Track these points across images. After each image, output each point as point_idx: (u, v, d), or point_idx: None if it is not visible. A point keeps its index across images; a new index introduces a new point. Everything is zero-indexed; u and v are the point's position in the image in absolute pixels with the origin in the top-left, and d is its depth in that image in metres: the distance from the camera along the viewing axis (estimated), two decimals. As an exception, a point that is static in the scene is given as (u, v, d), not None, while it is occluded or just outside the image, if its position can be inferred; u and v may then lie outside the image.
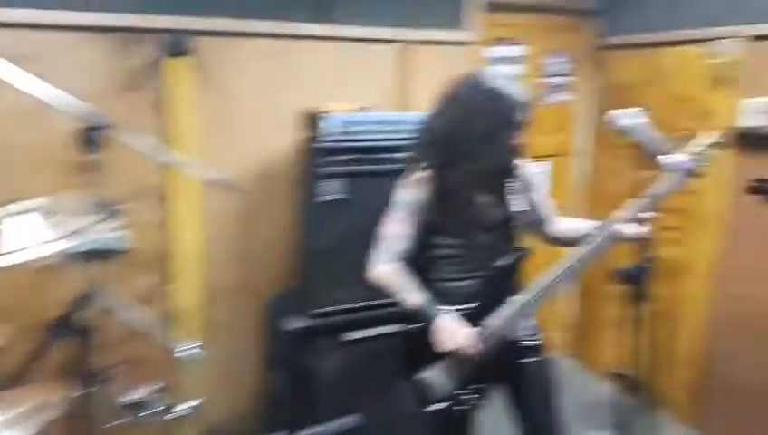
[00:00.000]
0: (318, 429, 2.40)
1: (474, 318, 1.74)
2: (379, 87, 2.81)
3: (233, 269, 2.65)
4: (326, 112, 2.35)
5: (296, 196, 2.56)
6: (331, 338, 2.41)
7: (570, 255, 1.71)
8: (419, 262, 1.83)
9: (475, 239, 1.79)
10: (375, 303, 2.37)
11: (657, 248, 1.66)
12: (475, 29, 2.97)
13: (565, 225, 1.95)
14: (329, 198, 2.33)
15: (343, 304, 2.42)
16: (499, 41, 3.18)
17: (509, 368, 1.84)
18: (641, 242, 1.64)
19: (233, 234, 2.63)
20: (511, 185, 1.84)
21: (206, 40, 2.38)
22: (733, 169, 2.65)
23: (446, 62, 2.88)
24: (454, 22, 2.94)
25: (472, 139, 1.67)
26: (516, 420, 1.89)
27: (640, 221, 1.63)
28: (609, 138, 3.32)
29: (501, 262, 1.79)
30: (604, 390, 3.07)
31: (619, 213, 1.65)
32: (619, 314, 3.24)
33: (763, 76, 2.51)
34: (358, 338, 2.44)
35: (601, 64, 3.34)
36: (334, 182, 2.34)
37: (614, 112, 1.58)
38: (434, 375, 1.73)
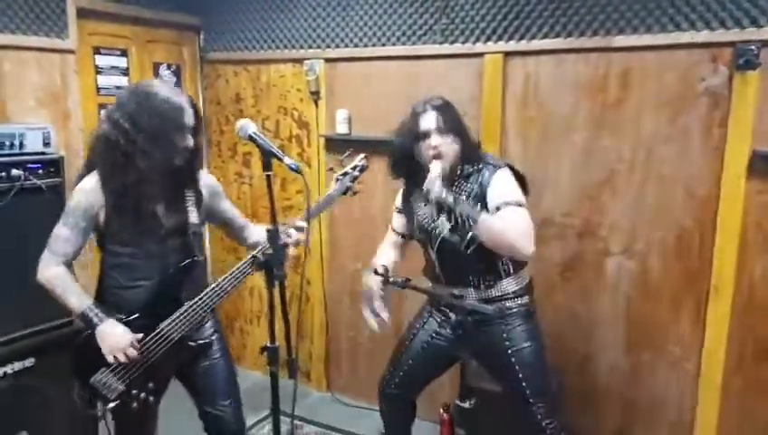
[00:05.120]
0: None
1: (142, 324, 1.82)
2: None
3: None
4: None
5: None
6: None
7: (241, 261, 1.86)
8: (100, 269, 1.90)
9: (146, 248, 1.84)
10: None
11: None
12: (73, 36, 2.75)
13: (257, 232, 2.10)
14: None
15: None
16: (102, 50, 3.03)
17: (186, 368, 1.95)
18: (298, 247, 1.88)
19: None
20: (189, 194, 1.91)
21: None
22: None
23: (42, 70, 2.64)
24: (47, 27, 2.66)
25: (141, 138, 1.72)
26: (200, 415, 2.01)
27: (299, 229, 1.86)
28: (219, 147, 3.54)
29: (171, 270, 1.86)
30: (254, 378, 3.32)
31: (290, 221, 1.87)
32: (258, 307, 3.55)
33: (336, 91, 3.09)
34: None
35: (208, 78, 3.51)
36: None
37: (242, 121, 1.69)
38: (105, 377, 1.82)
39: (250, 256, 1.86)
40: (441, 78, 2.81)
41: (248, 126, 1.69)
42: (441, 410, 2.77)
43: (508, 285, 2.05)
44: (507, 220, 1.88)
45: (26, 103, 2.62)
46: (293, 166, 1.64)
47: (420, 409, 3.04)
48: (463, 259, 2.00)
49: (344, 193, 2.09)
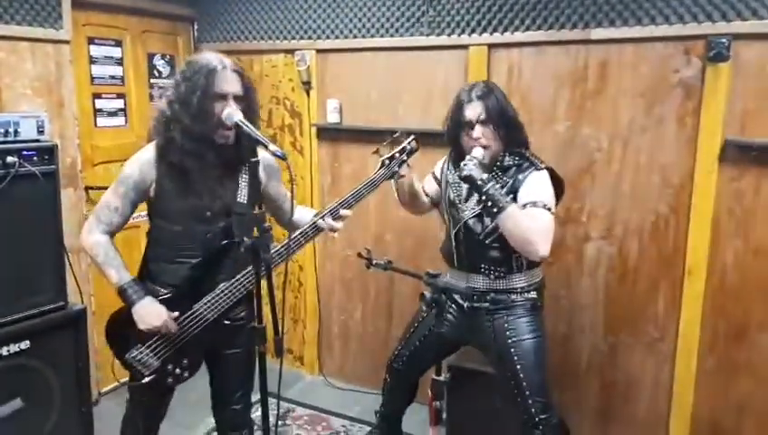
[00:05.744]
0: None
1: (178, 302, 1.83)
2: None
3: None
4: None
5: None
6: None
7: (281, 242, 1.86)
8: (147, 241, 1.92)
9: (190, 227, 1.83)
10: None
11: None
12: (67, 27, 2.80)
13: (298, 214, 2.03)
14: None
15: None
16: (97, 40, 3.09)
17: (214, 350, 1.96)
18: (330, 234, 1.88)
19: None
20: (244, 172, 1.87)
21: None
22: (324, 157, 3.28)
23: (36, 60, 2.69)
24: (41, 18, 2.71)
25: (178, 107, 1.73)
26: (213, 398, 2.07)
27: (337, 216, 1.87)
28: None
29: (211, 250, 1.84)
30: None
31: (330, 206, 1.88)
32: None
33: (327, 82, 3.17)
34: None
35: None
36: None
37: (228, 109, 1.73)
38: (140, 353, 1.84)
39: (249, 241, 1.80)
40: (428, 69, 2.89)
41: (235, 114, 1.71)
42: (429, 391, 2.86)
43: (518, 280, 2.09)
44: (532, 218, 1.91)
45: (21, 92, 2.67)
46: (279, 153, 1.64)
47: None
48: (479, 246, 2.05)
49: (390, 178, 2.00)
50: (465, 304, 2.13)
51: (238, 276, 1.84)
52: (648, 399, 2.68)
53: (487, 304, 2.08)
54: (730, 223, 2.42)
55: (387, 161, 1.99)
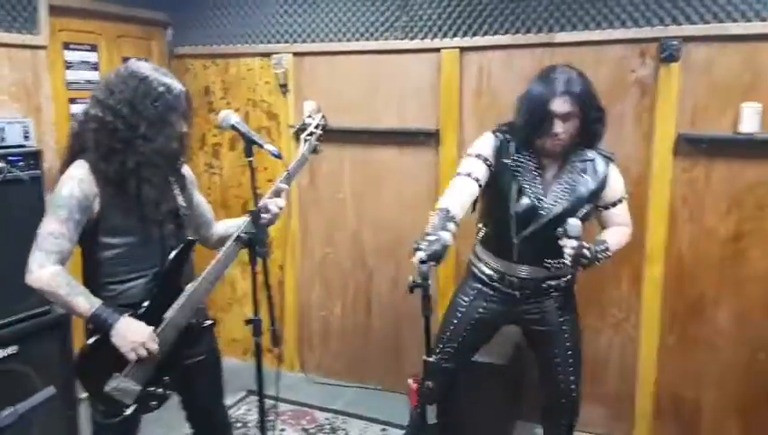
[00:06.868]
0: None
1: (149, 315, 1.75)
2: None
3: None
4: None
5: None
6: None
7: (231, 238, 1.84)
8: (87, 264, 1.77)
9: (145, 235, 1.76)
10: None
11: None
12: (44, 33, 2.82)
13: (223, 226, 2.05)
14: None
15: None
16: (72, 45, 3.09)
17: (182, 360, 1.87)
18: (281, 212, 1.93)
19: None
20: (175, 180, 1.87)
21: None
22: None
23: (13, 65, 2.69)
24: (18, 24, 2.72)
25: (145, 124, 1.67)
26: (188, 409, 2.02)
27: (278, 194, 1.92)
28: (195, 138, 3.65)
29: (170, 256, 1.79)
30: (228, 364, 3.42)
31: (264, 198, 1.90)
32: (229, 294, 3.67)
33: (304, 84, 3.27)
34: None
35: (176, 72, 3.59)
36: None
37: (224, 112, 1.82)
38: (119, 382, 1.71)
39: (234, 236, 1.83)
40: (402, 71, 3.02)
41: (230, 116, 1.79)
42: (410, 381, 2.97)
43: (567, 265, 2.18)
44: (626, 228, 2.15)
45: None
46: (275, 152, 1.75)
47: (387, 381, 3.22)
48: (552, 244, 1.97)
49: (313, 151, 2.10)
50: (518, 293, 2.16)
51: (203, 273, 1.80)
52: (616, 377, 2.86)
53: (542, 290, 2.15)
54: (684, 210, 2.64)
55: (308, 138, 2.10)
